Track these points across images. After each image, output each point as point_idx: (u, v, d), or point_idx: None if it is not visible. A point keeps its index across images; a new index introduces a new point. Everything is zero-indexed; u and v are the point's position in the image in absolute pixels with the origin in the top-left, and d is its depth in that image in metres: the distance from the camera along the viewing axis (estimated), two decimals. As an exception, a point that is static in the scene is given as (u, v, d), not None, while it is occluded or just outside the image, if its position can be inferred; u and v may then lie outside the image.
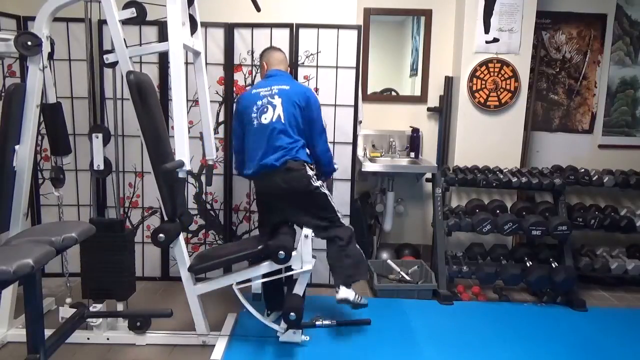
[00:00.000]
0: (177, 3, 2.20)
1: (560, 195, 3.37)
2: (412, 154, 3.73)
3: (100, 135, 2.53)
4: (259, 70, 3.18)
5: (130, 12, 2.31)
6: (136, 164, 3.27)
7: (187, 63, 2.79)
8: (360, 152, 3.66)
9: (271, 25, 3.16)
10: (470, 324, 2.85)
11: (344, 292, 2.54)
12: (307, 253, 2.41)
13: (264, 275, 2.49)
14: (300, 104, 2.55)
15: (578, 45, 3.74)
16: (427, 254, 3.70)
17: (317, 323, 2.52)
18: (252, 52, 3.18)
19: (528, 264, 3.24)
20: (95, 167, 2.56)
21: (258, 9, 2.92)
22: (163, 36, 3.08)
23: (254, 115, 2.54)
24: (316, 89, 3.19)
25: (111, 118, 2.91)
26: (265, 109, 2.53)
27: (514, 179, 3.30)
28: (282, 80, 2.62)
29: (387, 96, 3.87)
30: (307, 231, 2.42)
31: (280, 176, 2.49)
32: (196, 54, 2.63)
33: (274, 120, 2.51)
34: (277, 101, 2.52)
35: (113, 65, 2.42)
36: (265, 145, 2.50)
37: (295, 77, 3.17)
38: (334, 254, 2.59)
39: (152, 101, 2.37)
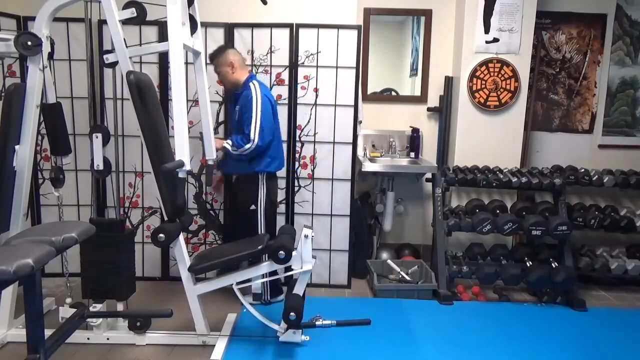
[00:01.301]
0: (177, 3, 2.20)
1: (560, 195, 3.37)
2: (412, 154, 3.73)
3: (100, 135, 2.53)
4: (258, 70, 3.19)
5: (130, 12, 2.32)
6: (136, 164, 3.27)
7: (187, 63, 2.80)
8: (360, 152, 3.66)
9: (271, 25, 3.16)
10: (470, 323, 2.85)
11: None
12: (307, 253, 2.41)
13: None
14: None
15: (578, 45, 3.74)
16: (427, 254, 3.70)
17: (317, 323, 2.51)
18: (252, 52, 3.18)
19: (528, 264, 3.24)
20: (95, 167, 2.56)
21: (264, 2, 2.92)
22: (163, 36, 3.08)
23: (276, 117, 2.95)
24: (316, 89, 3.19)
25: (111, 118, 2.91)
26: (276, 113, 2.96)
27: (514, 179, 3.30)
28: None
29: (387, 96, 3.87)
30: (307, 231, 2.42)
31: None
32: (196, 54, 2.63)
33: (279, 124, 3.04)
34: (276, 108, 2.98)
35: (113, 65, 2.42)
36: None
37: (296, 77, 3.18)
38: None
39: (152, 101, 2.37)
